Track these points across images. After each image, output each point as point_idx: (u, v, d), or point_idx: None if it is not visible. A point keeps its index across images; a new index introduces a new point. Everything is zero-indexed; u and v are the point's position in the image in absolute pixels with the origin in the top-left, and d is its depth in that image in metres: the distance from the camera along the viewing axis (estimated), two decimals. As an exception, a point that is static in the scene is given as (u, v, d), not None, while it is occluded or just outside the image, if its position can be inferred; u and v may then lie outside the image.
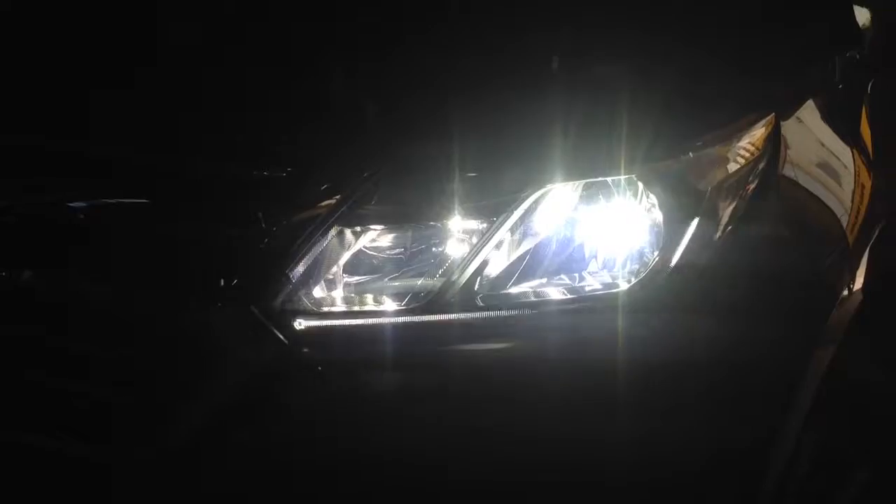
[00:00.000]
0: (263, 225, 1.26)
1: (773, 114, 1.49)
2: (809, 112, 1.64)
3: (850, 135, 1.74)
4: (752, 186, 1.41)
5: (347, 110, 1.41)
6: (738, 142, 1.43)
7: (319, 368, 1.26)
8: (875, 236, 1.74)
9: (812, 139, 1.62)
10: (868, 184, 1.71)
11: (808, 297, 1.50)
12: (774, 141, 1.47)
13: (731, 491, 1.43)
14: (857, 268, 1.67)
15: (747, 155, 1.43)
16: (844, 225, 1.62)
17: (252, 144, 1.36)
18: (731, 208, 1.38)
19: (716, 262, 1.34)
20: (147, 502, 1.33)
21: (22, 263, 1.35)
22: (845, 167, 1.67)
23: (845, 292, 1.61)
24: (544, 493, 1.33)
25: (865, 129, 1.82)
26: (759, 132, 1.46)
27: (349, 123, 1.38)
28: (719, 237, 1.36)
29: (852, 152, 1.71)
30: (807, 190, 1.55)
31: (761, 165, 1.43)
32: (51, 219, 1.37)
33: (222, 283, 1.27)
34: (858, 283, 1.67)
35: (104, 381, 1.33)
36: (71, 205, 1.37)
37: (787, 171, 1.49)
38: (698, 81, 1.50)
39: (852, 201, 1.65)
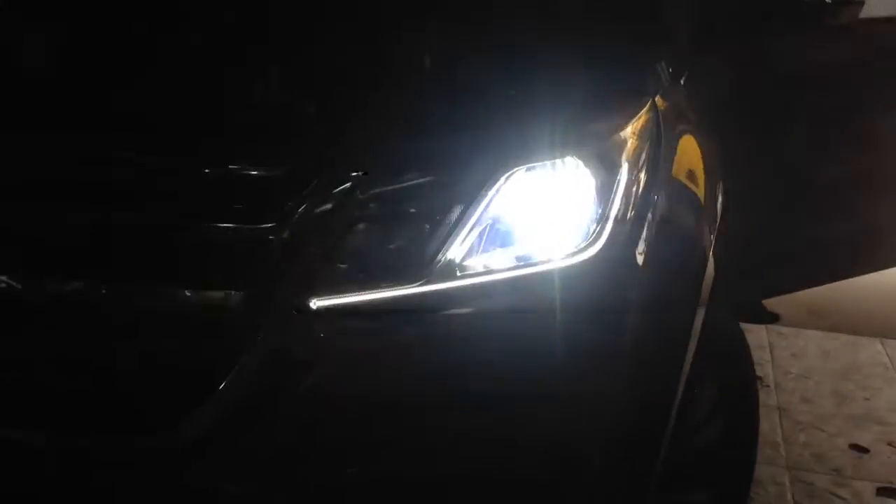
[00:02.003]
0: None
1: (651, 99, 1.81)
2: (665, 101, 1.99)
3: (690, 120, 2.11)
4: (649, 164, 1.74)
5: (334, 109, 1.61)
6: (635, 124, 1.74)
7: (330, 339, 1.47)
8: (720, 210, 2.10)
9: (675, 125, 1.97)
10: (710, 163, 2.09)
11: (698, 264, 1.84)
12: (657, 123, 1.79)
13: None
14: (713, 234, 2.02)
15: (642, 136, 1.75)
16: (705, 200, 1.96)
17: (256, 141, 1.53)
18: (640, 185, 1.70)
19: (634, 234, 1.65)
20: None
21: (48, 266, 1.45)
22: (698, 146, 2.05)
23: (711, 255, 1.95)
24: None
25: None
26: (644, 116, 1.78)
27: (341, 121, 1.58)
28: (634, 211, 1.67)
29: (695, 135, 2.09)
30: (683, 170, 1.90)
31: (651, 146, 1.77)
32: (73, 219, 1.47)
33: (246, 272, 1.45)
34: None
35: (146, 376, 1.47)
36: (93, 204, 1.48)
37: (667, 152, 1.83)
38: (584, 72, 1.82)
39: (706, 178, 2.01)
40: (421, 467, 1.53)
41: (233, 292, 1.46)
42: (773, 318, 3.96)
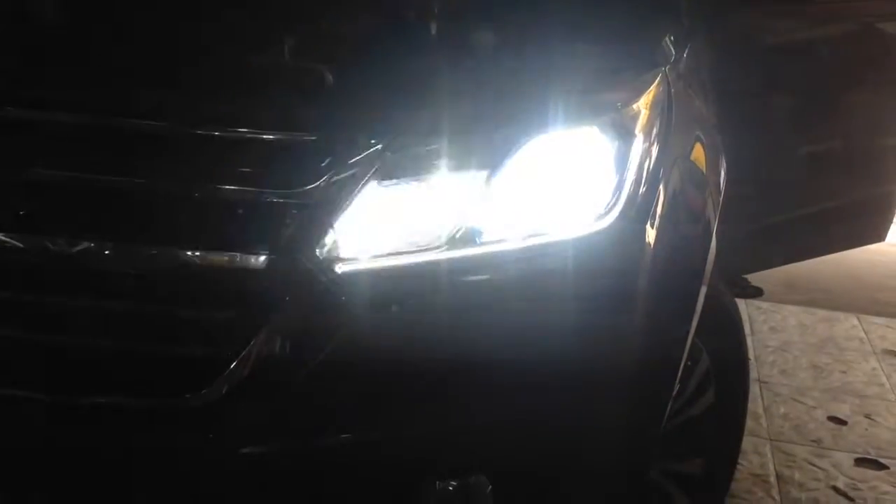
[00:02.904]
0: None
1: (663, 71, 1.83)
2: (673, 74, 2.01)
3: (696, 93, 2.14)
4: (661, 135, 1.76)
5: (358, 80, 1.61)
6: (648, 95, 1.75)
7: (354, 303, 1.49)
8: (722, 184, 2.12)
9: (683, 98, 1.99)
10: (713, 137, 2.11)
11: (705, 237, 1.87)
12: (668, 95, 1.81)
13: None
14: (717, 208, 2.05)
15: (654, 107, 1.76)
16: (710, 175, 1.99)
17: (281, 109, 1.53)
18: (652, 157, 1.72)
19: (647, 204, 1.67)
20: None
21: (75, 232, 1.45)
22: (703, 120, 2.07)
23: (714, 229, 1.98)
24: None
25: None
26: (656, 88, 1.79)
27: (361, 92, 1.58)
28: (647, 182, 1.68)
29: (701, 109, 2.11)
30: (691, 143, 1.92)
31: (662, 118, 1.78)
32: (98, 187, 1.47)
33: (270, 237, 1.46)
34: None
35: (168, 338, 1.47)
36: (118, 171, 1.48)
37: (677, 124, 1.85)
38: (590, 41, 1.83)
39: (711, 152, 2.03)
40: (441, 430, 1.55)
41: (260, 257, 1.46)
42: (756, 293, 4.03)
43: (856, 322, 4.00)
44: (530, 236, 1.57)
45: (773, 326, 3.91)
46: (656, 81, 1.78)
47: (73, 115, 1.51)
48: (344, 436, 1.53)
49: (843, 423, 3.19)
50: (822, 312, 4.07)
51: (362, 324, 1.50)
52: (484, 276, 1.56)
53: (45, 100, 1.53)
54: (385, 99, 1.56)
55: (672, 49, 1.99)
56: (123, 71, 1.59)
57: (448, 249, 1.53)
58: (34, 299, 1.51)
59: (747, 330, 3.82)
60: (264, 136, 1.52)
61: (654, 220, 1.66)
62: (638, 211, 1.64)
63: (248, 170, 1.50)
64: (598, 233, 1.59)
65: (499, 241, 1.56)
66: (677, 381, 1.82)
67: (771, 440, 3.05)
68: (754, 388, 3.35)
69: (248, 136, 1.52)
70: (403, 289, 1.52)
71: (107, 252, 1.47)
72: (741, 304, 4.00)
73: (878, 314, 4.07)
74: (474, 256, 1.54)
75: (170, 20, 1.73)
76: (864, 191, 3.33)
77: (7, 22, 1.79)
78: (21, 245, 1.50)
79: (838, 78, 2.99)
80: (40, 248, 1.48)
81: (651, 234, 1.65)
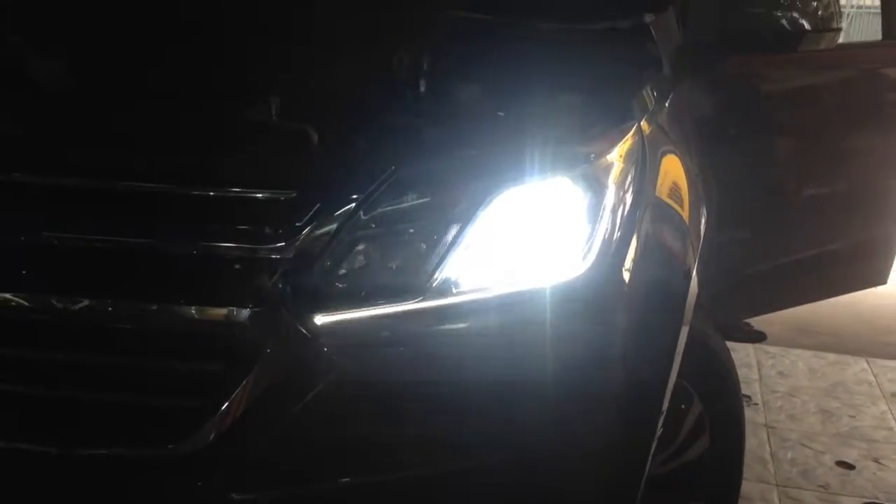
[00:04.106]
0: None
1: (637, 124, 1.89)
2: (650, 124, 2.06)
3: (675, 143, 2.18)
4: (635, 185, 1.81)
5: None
6: (621, 147, 1.81)
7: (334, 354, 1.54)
8: (703, 230, 2.15)
9: (659, 148, 2.04)
10: (694, 184, 2.16)
11: (682, 283, 1.90)
12: (642, 146, 1.86)
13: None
14: (697, 253, 2.07)
15: (628, 159, 1.81)
16: (689, 221, 2.02)
17: (261, 165, 1.61)
18: (626, 206, 1.76)
19: (620, 253, 1.71)
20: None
21: (73, 290, 1.53)
22: (682, 168, 2.12)
23: (694, 275, 2.00)
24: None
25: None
26: (630, 140, 1.85)
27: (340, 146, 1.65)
28: (620, 231, 1.73)
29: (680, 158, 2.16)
30: (667, 191, 1.97)
31: (637, 168, 1.83)
32: (92, 247, 1.55)
33: (255, 291, 1.52)
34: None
35: (158, 389, 1.54)
36: (109, 232, 1.56)
37: (652, 174, 1.90)
38: (568, 93, 1.89)
39: (690, 199, 2.08)
40: (421, 475, 1.58)
41: (240, 310, 1.52)
42: (760, 337, 4.03)
43: (865, 366, 3.98)
44: (505, 285, 1.62)
45: (782, 371, 3.90)
46: (630, 133, 1.83)
47: (68, 179, 1.59)
48: (327, 481, 1.56)
49: (851, 467, 3.17)
50: (831, 356, 4.06)
51: (343, 372, 1.55)
52: (461, 325, 1.61)
53: (45, 166, 1.61)
54: (361, 154, 1.63)
55: (651, 99, 2.04)
56: (115, 136, 1.67)
57: (425, 299, 1.58)
58: (33, 355, 1.58)
59: (755, 375, 3.84)
60: (248, 195, 1.59)
61: (629, 266, 1.70)
62: (612, 258, 1.68)
63: (232, 227, 1.56)
64: (572, 280, 1.63)
65: (474, 291, 1.60)
66: (660, 424, 1.84)
67: (778, 486, 3.04)
68: (761, 434, 3.35)
69: (233, 194, 1.59)
70: (383, 338, 1.57)
71: (100, 309, 1.54)
72: (748, 348, 4.03)
73: (888, 357, 4.06)
74: (451, 305, 1.59)
75: (160, 85, 1.81)
76: (864, 233, 3.35)
77: (10, 90, 1.88)
78: (24, 303, 1.57)
79: (837, 122, 3.04)
80: (43, 307, 1.55)
81: (625, 281, 1.69)
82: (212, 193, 1.59)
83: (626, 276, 1.70)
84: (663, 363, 1.80)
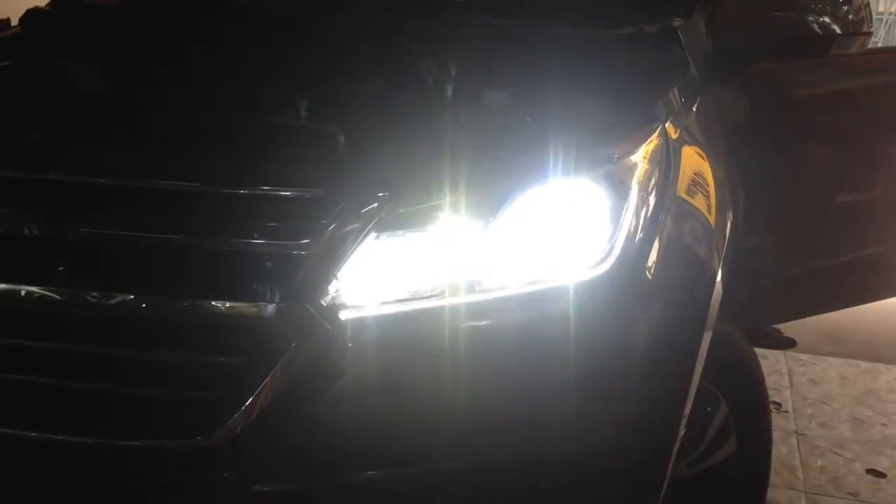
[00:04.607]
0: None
1: (662, 125, 1.90)
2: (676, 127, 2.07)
3: (701, 146, 2.19)
4: (658, 187, 1.82)
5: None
6: (645, 148, 1.82)
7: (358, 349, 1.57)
8: (728, 234, 2.13)
9: (685, 151, 2.05)
10: (720, 188, 2.15)
11: (706, 286, 1.90)
12: (667, 148, 1.88)
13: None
14: (722, 257, 2.05)
15: (651, 160, 1.82)
16: (715, 224, 2.01)
17: (290, 169, 1.64)
18: (649, 207, 1.78)
19: (643, 254, 1.73)
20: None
21: (106, 286, 1.57)
22: (708, 171, 2.12)
23: (718, 279, 1.99)
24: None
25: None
26: (654, 141, 1.86)
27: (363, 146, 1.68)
28: (643, 232, 1.74)
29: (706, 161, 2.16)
30: (692, 194, 1.97)
31: (661, 170, 1.84)
32: (125, 244, 1.60)
33: (281, 287, 1.55)
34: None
35: (186, 383, 1.58)
36: (142, 229, 1.60)
37: (676, 176, 1.91)
38: (595, 95, 1.90)
39: (716, 202, 2.08)
40: (443, 471, 1.61)
41: (267, 305, 1.56)
42: (789, 344, 3.99)
43: (899, 374, 3.95)
44: (527, 283, 1.63)
45: (813, 378, 3.88)
46: (655, 134, 1.84)
47: (105, 179, 1.64)
48: (350, 474, 1.59)
49: (882, 475, 3.15)
50: (864, 364, 4.02)
51: (365, 367, 1.57)
52: (483, 322, 1.63)
53: (82, 166, 1.66)
54: (387, 155, 1.66)
55: (677, 102, 2.05)
56: (148, 137, 1.72)
57: (448, 297, 1.60)
58: (66, 348, 1.62)
59: (786, 382, 3.82)
60: (276, 193, 1.62)
61: (651, 266, 1.71)
62: (634, 258, 1.69)
63: (259, 224, 1.59)
64: (593, 280, 1.64)
65: (497, 289, 1.62)
66: (682, 425, 1.85)
67: (807, 493, 3.03)
68: (791, 441, 3.33)
69: (261, 192, 1.62)
70: (405, 334, 1.60)
71: (133, 304, 1.58)
72: (779, 355, 4.00)
73: (922, 365, 4.02)
74: (473, 303, 1.61)
75: (176, 82, 1.85)
76: (897, 239, 3.32)
77: (46, 91, 1.94)
78: (59, 298, 1.61)
79: (869, 126, 3.02)
80: (79, 301, 1.59)
81: (647, 280, 1.70)
82: (241, 191, 1.62)
83: (648, 275, 1.71)
84: (685, 364, 1.81)
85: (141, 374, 1.59)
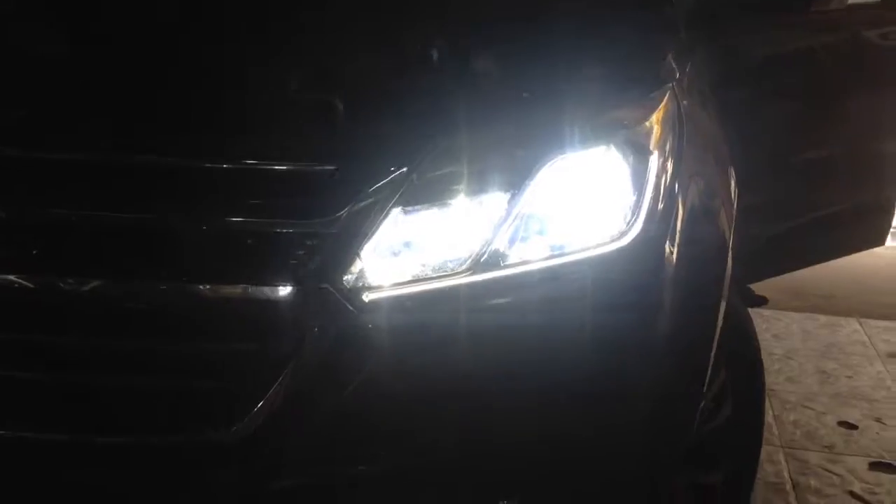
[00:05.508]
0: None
1: (672, 88, 1.85)
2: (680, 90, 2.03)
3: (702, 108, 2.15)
4: (674, 151, 1.77)
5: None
6: (659, 112, 1.77)
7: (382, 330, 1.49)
8: (734, 195, 2.12)
9: (691, 113, 2.00)
10: (722, 149, 2.12)
11: (722, 249, 1.88)
12: (678, 110, 1.83)
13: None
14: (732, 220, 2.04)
15: (666, 123, 1.78)
16: (723, 186, 2.00)
17: (303, 142, 1.54)
18: (668, 173, 1.73)
19: (666, 220, 1.68)
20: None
21: (105, 272, 1.45)
22: (713, 134, 2.08)
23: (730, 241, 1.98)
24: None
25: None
26: (667, 104, 1.81)
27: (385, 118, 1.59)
28: (664, 198, 1.69)
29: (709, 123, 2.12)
30: (703, 156, 1.93)
31: (675, 133, 1.80)
32: (134, 225, 1.48)
33: (299, 268, 1.46)
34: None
35: (205, 374, 1.48)
36: (146, 209, 1.48)
37: (689, 139, 1.86)
38: (596, 62, 1.84)
39: (722, 164, 2.05)
40: (471, 452, 1.55)
41: (287, 288, 1.47)
42: (762, 301, 4.03)
43: (857, 326, 4.01)
44: (553, 257, 1.58)
45: (777, 334, 3.92)
46: (666, 97, 1.80)
47: (112, 156, 1.52)
48: (378, 464, 1.52)
49: (853, 427, 3.20)
50: (823, 318, 4.08)
51: (391, 351, 1.50)
52: (509, 298, 1.57)
53: (91, 144, 1.54)
54: (403, 127, 1.57)
55: (675, 65, 2.00)
56: (149, 109, 1.60)
57: (473, 273, 1.53)
58: (66, 340, 1.51)
59: (752, 339, 3.85)
60: (288, 168, 1.53)
61: (675, 231, 1.67)
62: (658, 225, 1.65)
63: (272, 201, 1.50)
64: (620, 249, 1.60)
65: (522, 263, 1.56)
66: (703, 396, 1.83)
67: (784, 448, 3.06)
68: (763, 397, 3.36)
69: (272, 167, 1.53)
70: (431, 314, 1.53)
71: (142, 290, 1.47)
72: (743, 313, 4.03)
73: (881, 318, 4.09)
74: (499, 279, 1.55)
75: (189, 57, 1.74)
76: (863, 195, 3.35)
77: (27, 65, 1.79)
78: (58, 285, 1.50)
79: (842, 84, 3.02)
80: (73, 289, 1.48)
81: (672, 245, 1.67)
82: (252, 168, 1.52)
83: (673, 240, 1.67)
84: (708, 332, 1.79)
85: (158, 367, 1.49)
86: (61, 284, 1.48)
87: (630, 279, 1.62)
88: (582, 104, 1.67)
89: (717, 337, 1.82)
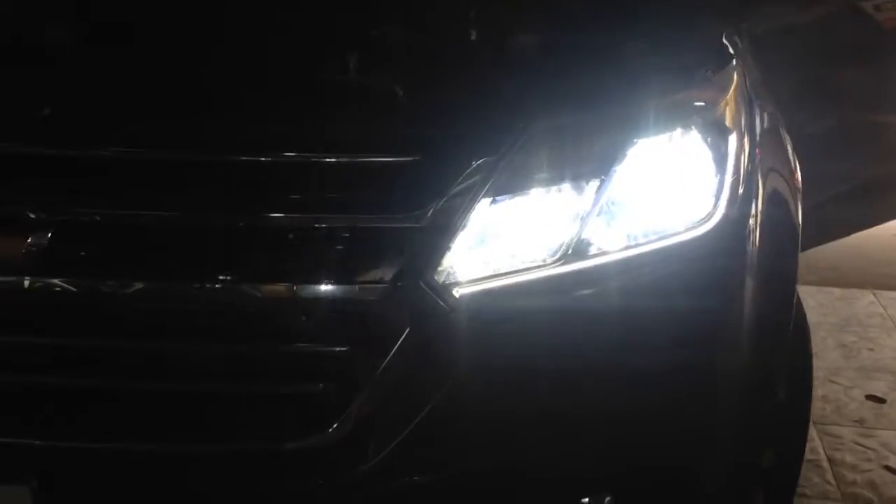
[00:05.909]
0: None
1: (738, 65, 1.80)
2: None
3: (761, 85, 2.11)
4: (749, 130, 1.73)
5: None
6: (733, 90, 1.72)
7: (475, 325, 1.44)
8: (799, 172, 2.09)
9: (755, 91, 1.96)
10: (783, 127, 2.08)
11: (796, 228, 1.85)
12: (745, 86, 1.78)
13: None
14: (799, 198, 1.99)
15: (739, 101, 1.73)
16: (792, 163, 1.95)
17: (383, 133, 1.47)
18: (746, 152, 1.68)
19: (747, 201, 1.64)
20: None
21: (192, 274, 1.39)
22: (775, 111, 2.03)
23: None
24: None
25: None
26: (736, 82, 1.77)
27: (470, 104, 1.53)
28: (745, 179, 1.65)
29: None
30: (771, 135, 1.88)
31: (747, 111, 1.75)
32: (218, 227, 1.41)
33: (388, 265, 1.40)
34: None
35: (295, 378, 1.42)
36: (231, 209, 1.42)
37: (759, 118, 1.82)
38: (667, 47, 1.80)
39: (786, 141, 2.00)
40: (573, 449, 1.51)
41: (377, 287, 1.41)
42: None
43: (873, 298, 4.01)
44: (643, 243, 1.53)
45: (795, 309, 3.90)
46: (735, 75, 1.75)
47: (177, 153, 1.45)
48: (479, 464, 1.47)
49: (882, 401, 3.19)
50: (838, 291, 4.07)
51: (486, 346, 1.45)
52: (598, 288, 1.52)
53: (147, 140, 1.46)
54: (484, 114, 1.51)
55: (734, 42, 1.96)
56: (216, 101, 1.52)
57: (565, 263, 1.48)
58: (158, 346, 1.44)
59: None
60: (370, 160, 1.46)
61: (757, 210, 1.65)
62: (741, 206, 1.62)
63: (355, 196, 1.44)
64: (707, 233, 1.56)
65: (610, 252, 1.52)
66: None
67: (815, 423, 3.04)
68: (790, 372, 3.35)
69: (354, 161, 1.46)
70: (523, 307, 1.48)
71: (223, 292, 1.41)
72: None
73: (893, 288, 4.09)
74: (591, 268, 1.50)
75: (252, 44, 1.66)
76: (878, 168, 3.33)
77: (56, 60, 1.70)
78: (146, 288, 1.43)
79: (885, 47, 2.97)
80: (170, 289, 1.42)
81: (755, 226, 1.64)
82: (329, 160, 1.45)
83: (756, 220, 1.64)
84: (787, 315, 1.76)
85: (245, 371, 1.43)
86: (152, 289, 1.41)
87: (718, 263, 1.58)
88: (658, 87, 1.63)
89: (793, 319, 1.79)
